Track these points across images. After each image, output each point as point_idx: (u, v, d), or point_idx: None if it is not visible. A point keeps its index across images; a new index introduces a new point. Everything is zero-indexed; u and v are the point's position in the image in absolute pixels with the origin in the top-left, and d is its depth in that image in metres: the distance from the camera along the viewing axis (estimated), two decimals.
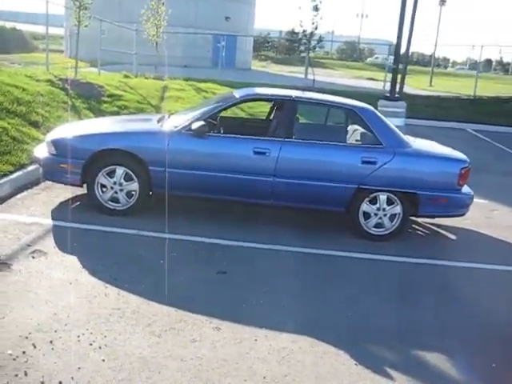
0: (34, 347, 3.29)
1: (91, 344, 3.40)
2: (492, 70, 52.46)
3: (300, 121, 5.87)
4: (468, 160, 5.98)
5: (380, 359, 3.63)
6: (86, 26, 11.89)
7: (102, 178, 5.68)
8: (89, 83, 11.53)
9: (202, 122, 5.59)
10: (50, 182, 6.58)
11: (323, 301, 4.43)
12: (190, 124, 5.64)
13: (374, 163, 5.66)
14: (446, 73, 52.65)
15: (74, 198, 6.16)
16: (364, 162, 5.67)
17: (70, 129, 6.15)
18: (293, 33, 48.95)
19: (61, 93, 10.37)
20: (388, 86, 18.85)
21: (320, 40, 16.99)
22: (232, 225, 5.90)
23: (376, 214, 5.79)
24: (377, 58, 47.75)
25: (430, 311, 4.43)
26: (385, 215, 5.79)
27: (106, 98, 11.31)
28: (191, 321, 3.82)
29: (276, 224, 6.05)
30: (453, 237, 6.33)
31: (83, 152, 5.64)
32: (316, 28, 15.78)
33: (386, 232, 5.85)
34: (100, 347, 3.37)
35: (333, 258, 5.33)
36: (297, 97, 5.96)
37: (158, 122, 6.13)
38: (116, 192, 5.72)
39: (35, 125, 8.24)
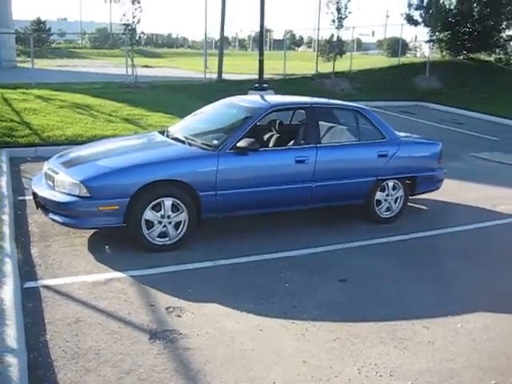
0: None
1: (381, 375, 3.44)
2: (230, 46, 56.50)
3: (320, 125, 6.14)
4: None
5: None
6: None
7: (148, 214, 5.16)
8: None
9: (251, 139, 5.49)
10: (31, 228, 5.72)
11: (449, 278, 5.08)
12: (235, 142, 5.48)
13: (386, 156, 6.34)
14: (189, 52, 54.88)
15: (94, 242, 5.46)
16: (379, 156, 6.30)
17: (89, 165, 5.34)
18: (39, 23, 45.24)
19: None
20: (208, 75, 19.43)
21: (142, 33, 16.50)
22: (281, 236, 5.96)
23: (386, 200, 6.51)
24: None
25: None
26: (391, 200, 6.53)
27: None
28: (400, 327, 4.08)
29: (310, 227, 6.29)
30: (424, 207, 7.41)
31: (127, 188, 5.05)
32: (138, 21, 15.30)
33: (393, 214, 6.62)
34: (391, 374, 3.45)
35: (391, 244, 5.93)
36: (313, 103, 6.26)
37: (181, 142, 5.76)
38: (164, 226, 5.26)
39: None
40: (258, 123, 5.95)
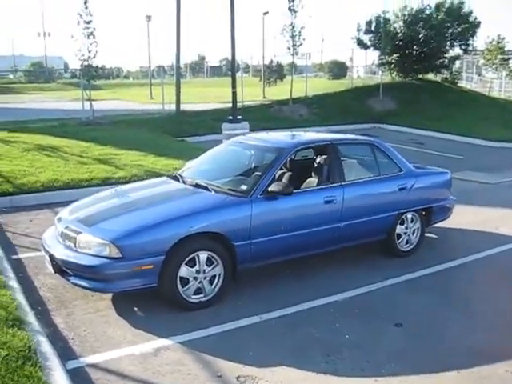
0: None
1: None
2: (167, 74, 55.82)
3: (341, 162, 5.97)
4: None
5: None
6: None
7: (183, 270, 4.78)
8: None
9: (283, 183, 5.27)
10: (43, 293, 5.25)
11: (500, 313, 4.98)
12: (266, 186, 5.21)
13: (405, 188, 6.26)
14: (128, 83, 54.12)
15: (120, 305, 5.00)
16: (400, 189, 6.21)
17: (114, 221, 4.89)
18: None
19: None
20: (166, 106, 18.99)
21: (99, 68, 15.88)
22: (314, 280, 5.69)
23: (405, 233, 6.40)
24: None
25: None
26: (410, 232, 6.44)
27: None
28: (484, 374, 3.94)
29: (336, 267, 6.05)
30: (434, 236, 7.35)
31: (161, 244, 4.66)
32: (94, 56, 14.77)
33: (412, 246, 6.51)
34: None
35: (422, 279, 5.80)
36: (333, 139, 6.11)
37: (203, 188, 5.42)
38: (200, 282, 4.89)
39: None
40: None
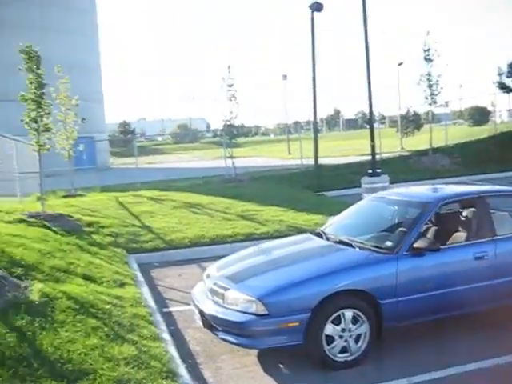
0: None
1: None
2: (303, 129, 57.43)
3: (492, 215, 5.63)
4: None
5: None
6: (47, 150, 10.18)
7: (328, 328, 4.71)
8: (60, 215, 9.78)
9: (429, 238, 5.08)
10: (192, 347, 5.37)
11: None
12: (411, 243, 5.04)
13: None
14: (266, 140, 56.36)
15: (266, 361, 5.02)
16: None
17: (260, 279, 5.03)
18: (125, 125, 48.31)
19: (49, 233, 8.55)
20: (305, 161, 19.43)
21: (240, 127, 16.95)
22: (462, 342, 5.29)
23: None
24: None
25: None
26: None
27: (88, 229, 9.62)
28: None
29: (489, 331, 5.57)
30: None
31: (307, 302, 4.65)
32: (236, 116, 15.76)
33: None
34: None
35: None
36: (481, 192, 5.82)
37: (348, 245, 5.37)
38: (346, 340, 4.78)
39: (94, 281, 6.59)
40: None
